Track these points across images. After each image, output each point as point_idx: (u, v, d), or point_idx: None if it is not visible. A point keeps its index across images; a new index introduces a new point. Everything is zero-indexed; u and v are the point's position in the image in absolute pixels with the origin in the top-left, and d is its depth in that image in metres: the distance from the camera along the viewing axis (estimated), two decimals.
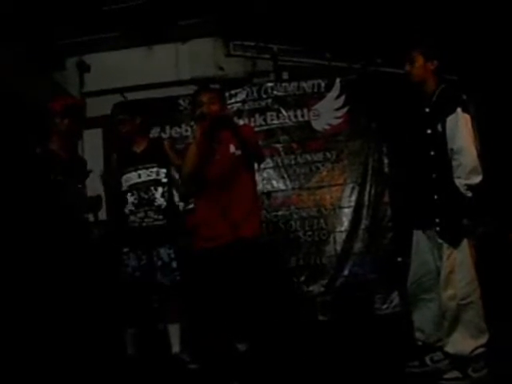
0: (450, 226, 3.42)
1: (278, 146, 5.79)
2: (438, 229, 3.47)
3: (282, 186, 5.75)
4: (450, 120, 3.36)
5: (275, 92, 5.87)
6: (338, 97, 5.79)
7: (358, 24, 5.53)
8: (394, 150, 5.55)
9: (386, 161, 5.65)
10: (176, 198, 4.44)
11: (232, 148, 3.66)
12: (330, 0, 5.50)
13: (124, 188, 4.23)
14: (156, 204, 4.18)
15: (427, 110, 3.52)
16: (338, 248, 5.59)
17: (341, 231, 5.62)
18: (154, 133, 5.90)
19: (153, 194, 4.18)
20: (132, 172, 4.22)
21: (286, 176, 5.75)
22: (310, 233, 5.65)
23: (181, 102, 5.85)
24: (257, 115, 5.86)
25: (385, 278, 5.41)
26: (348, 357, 4.06)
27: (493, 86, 5.74)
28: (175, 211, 4.45)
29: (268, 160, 5.58)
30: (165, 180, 4.23)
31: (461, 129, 3.34)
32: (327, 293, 5.52)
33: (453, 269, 3.37)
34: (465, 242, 3.39)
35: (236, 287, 3.53)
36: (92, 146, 6.16)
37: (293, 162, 5.75)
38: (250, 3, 5.65)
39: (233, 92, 5.89)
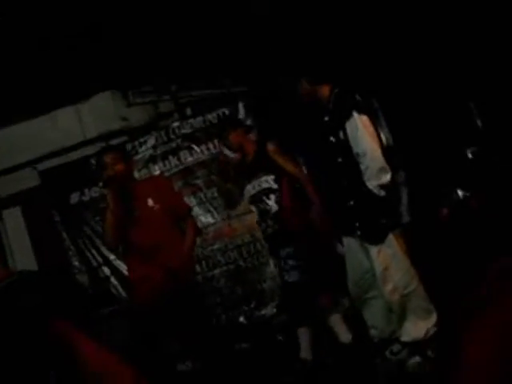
0: (370, 228, 3.47)
1: (197, 181, 5.80)
2: (359, 233, 3.52)
3: (210, 219, 5.75)
4: (348, 125, 3.37)
5: (183, 130, 5.89)
6: (244, 121, 5.81)
7: (252, 46, 5.54)
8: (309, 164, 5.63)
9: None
10: None
11: (150, 202, 3.65)
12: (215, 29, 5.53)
13: None
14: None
15: (326, 118, 3.55)
16: None
17: None
18: (74, 198, 5.82)
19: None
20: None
21: (212, 209, 5.76)
22: (249, 259, 5.68)
23: (92, 161, 5.78)
24: (170, 157, 5.86)
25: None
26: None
27: (398, 79, 5.89)
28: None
29: (191, 199, 5.60)
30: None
31: (361, 132, 3.34)
32: (280, 312, 5.51)
33: (386, 265, 3.42)
34: (390, 236, 3.43)
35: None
36: (14, 225, 6.02)
37: (216, 194, 5.77)
38: (137, 48, 5.60)
39: (142, 140, 5.90)
